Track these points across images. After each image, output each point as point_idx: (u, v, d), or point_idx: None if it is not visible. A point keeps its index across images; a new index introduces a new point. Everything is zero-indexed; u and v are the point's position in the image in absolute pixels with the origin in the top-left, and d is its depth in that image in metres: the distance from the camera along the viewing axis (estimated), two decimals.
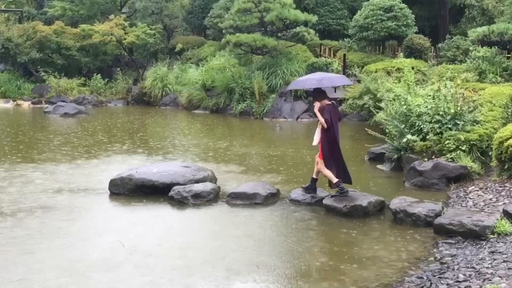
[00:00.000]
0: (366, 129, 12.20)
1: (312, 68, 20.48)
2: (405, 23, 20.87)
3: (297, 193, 8.46)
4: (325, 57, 22.00)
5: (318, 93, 8.19)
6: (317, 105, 8.14)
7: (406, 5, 21.34)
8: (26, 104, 24.01)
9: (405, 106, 10.47)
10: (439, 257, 6.00)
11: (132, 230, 7.07)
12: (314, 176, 8.41)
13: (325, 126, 8.02)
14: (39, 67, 25.77)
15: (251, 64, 21.60)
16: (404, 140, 10.15)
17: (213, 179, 9.20)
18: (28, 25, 26.92)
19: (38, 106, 23.51)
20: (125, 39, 26.01)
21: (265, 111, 19.70)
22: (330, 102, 8.16)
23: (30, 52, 25.41)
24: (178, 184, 8.65)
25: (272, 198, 8.41)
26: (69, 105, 21.35)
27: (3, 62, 26.51)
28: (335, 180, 8.05)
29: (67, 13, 29.12)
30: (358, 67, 18.57)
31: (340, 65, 20.86)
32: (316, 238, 6.74)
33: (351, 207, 7.62)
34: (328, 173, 8.11)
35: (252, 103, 19.98)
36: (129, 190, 8.71)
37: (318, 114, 8.10)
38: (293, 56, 21.12)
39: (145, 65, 27.90)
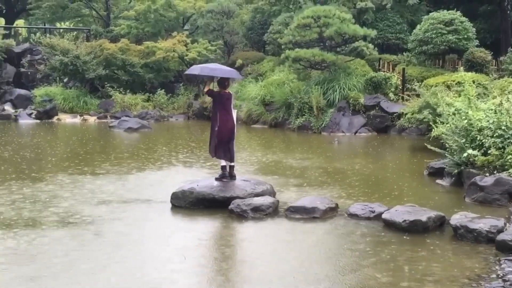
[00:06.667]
0: (425, 143, 12.10)
1: (371, 83, 20.46)
2: (465, 36, 20.50)
3: (356, 208, 8.48)
4: (383, 72, 21.88)
5: (223, 82, 9.58)
6: (217, 89, 9.54)
7: (467, 19, 20.99)
8: (92, 119, 24.80)
9: (466, 121, 10.36)
10: (501, 274, 5.92)
11: (193, 242, 7.23)
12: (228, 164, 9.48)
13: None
14: (105, 83, 26.67)
15: (310, 79, 21.73)
16: (465, 154, 10.03)
17: (272, 193, 9.32)
18: (95, 43, 27.89)
19: (104, 120, 24.23)
20: (187, 55, 26.65)
21: (323, 125, 19.76)
22: (227, 91, 9.56)
23: (97, 69, 26.31)
24: (238, 197, 8.78)
25: (330, 212, 8.45)
26: (132, 119, 21.99)
27: (72, 79, 27.53)
28: (223, 163, 9.46)
29: (132, 31, 30.12)
30: (418, 81, 18.38)
31: (399, 79, 20.70)
32: (375, 254, 6.72)
33: (410, 222, 7.57)
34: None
35: (310, 118, 20.09)
36: (190, 203, 8.90)
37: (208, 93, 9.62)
38: (351, 71, 21.12)
39: (206, 80, 28.38)
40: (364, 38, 21.47)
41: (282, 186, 10.53)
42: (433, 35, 20.46)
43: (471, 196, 9.24)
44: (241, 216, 8.32)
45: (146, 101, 26.32)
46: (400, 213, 7.85)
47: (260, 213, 8.37)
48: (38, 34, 34.25)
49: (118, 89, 26.10)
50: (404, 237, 7.35)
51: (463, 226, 7.23)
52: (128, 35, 29.83)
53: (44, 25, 37.84)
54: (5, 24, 35.95)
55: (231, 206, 8.53)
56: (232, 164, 9.52)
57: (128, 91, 26.32)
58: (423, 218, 7.61)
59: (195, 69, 10.26)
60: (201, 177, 10.98)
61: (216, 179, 9.45)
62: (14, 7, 37.17)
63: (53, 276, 5.91)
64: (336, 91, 20.20)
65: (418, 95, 16.67)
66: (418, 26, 21.64)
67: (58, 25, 38.56)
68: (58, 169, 12.48)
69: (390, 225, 7.74)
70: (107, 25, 33.36)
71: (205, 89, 9.74)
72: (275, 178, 11.36)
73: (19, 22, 41.56)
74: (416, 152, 14.79)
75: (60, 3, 33.57)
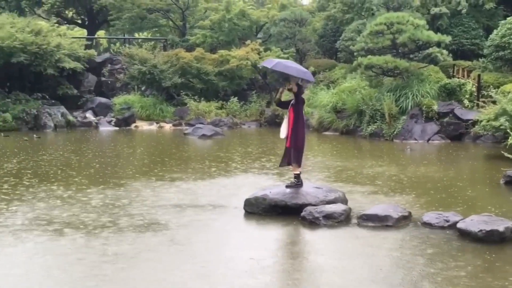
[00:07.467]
0: (501, 151, 11.85)
1: (445, 89, 20.13)
2: None
3: (430, 216, 8.39)
4: (458, 78, 21.47)
5: (302, 87, 9.32)
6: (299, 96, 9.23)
7: None
8: (167, 126, 25.62)
9: None
10: None
11: (267, 249, 7.32)
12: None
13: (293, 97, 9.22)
14: (181, 91, 27.47)
15: (382, 86, 21.62)
16: None
17: (344, 200, 9.34)
18: (172, 53, 28.81)
19: (179, 128, 24.97)
20: (259, 63, 27.07)
21: (395, 132, 19.62)
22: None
23: (173, 77, 27.15)
24: (310, 204, 8.82)
25: (404, 221, 8.39)
26: (206, 127, 22.55)
27: (149, 87, 28.50)
28: (298, 171, 9.32)
29: (207, 40, 30.91)
30: (494, 88, 17.96)
31: (474, 86, 20.26)
32: (451, 264, 6.63)
33: (487, 232, 7.42)
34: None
35: (382, 125, 20.00)
36: (263, 210, 8.99)
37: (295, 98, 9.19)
38: (424, 78, 20.87)
39: (278, 88, 28.74)
40: (438, 44, 21.19)
41: (354, 193, 10.56)
42: (511, 40, 19.92)
43: None
44: (313, 223, 8.37)
45: (219, 109, 26.92)
46: (476, 222, 7.70)
47: (332, 220, 8.39)
48: (117, 44, 35.79)
49: (192, 97, 26.84)
50: (480, 247, 7.23)
51: None
52: (203, 44, 30.66)
53: (124, 36, 39.42)
54: (87, 35, 37.68)
55: (303, 213, 8.60)
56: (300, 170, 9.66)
57: (202, 98, 27.01)
58: (500, 228, 7.45)
59: (286, 67, 9.24)
60: (273, 184, 11.13)
61: (287, 186, 9.56)
62: (96, 18, 38.94)
63: (125, 280, 6.13)
64: (408, 98, 20.03)
65: (494, 102, 16.32)
66: (495, 31, 21.15)
67: (136, 35, 40.08)
68: (136, 175, 12.99)
69: (466, 235, 7.60)
70: (183, 34, 34.38)
71: (293, 88, 9.12)
72: (347, 185, 11.41)
73: (100, 33, 43.49)
74: (491, 160, 14.46)
75: (139, 14, 34.94)
